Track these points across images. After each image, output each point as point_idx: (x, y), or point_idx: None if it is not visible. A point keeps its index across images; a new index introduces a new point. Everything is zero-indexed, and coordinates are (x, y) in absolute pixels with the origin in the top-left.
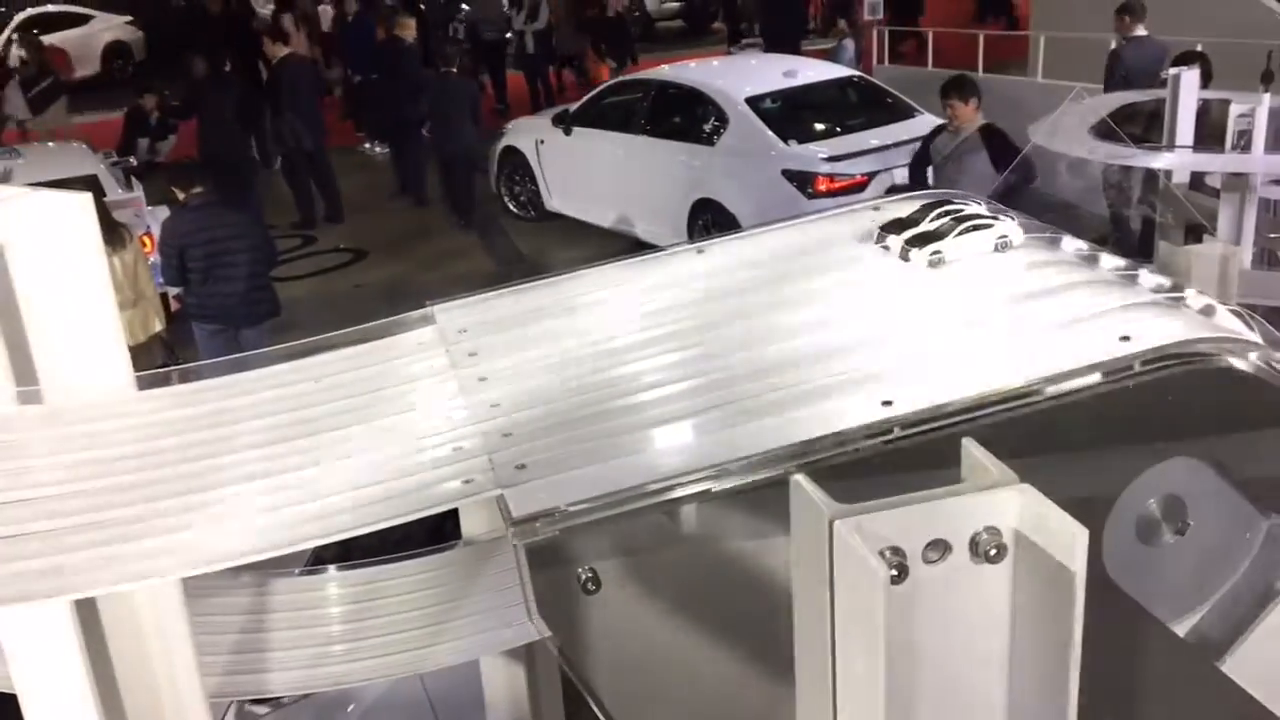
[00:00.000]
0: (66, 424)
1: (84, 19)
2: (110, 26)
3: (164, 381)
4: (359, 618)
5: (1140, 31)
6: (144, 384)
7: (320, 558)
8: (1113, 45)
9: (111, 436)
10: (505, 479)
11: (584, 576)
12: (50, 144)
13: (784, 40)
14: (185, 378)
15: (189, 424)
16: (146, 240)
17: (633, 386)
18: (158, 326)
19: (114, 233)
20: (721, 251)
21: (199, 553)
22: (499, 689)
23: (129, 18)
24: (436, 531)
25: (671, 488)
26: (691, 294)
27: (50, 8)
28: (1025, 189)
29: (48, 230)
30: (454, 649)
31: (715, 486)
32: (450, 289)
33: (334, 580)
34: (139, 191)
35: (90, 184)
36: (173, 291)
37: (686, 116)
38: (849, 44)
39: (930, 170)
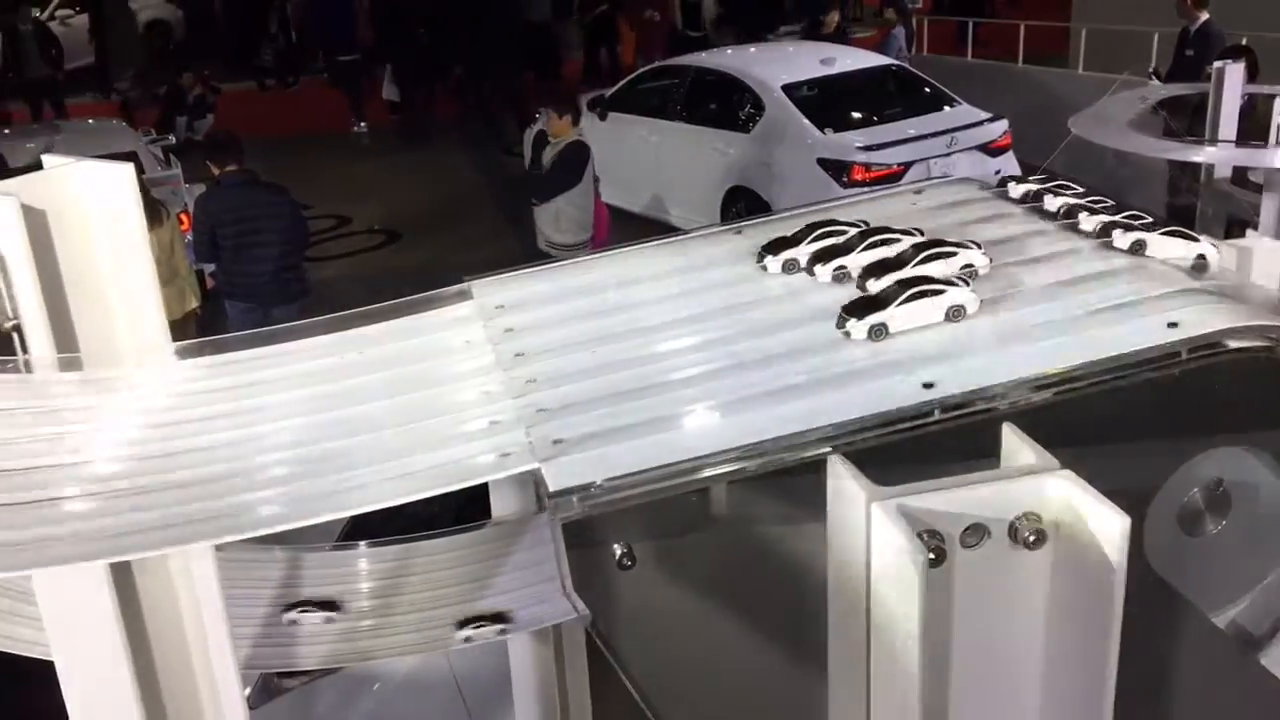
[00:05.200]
0: (105, 391)
1: None
2: (150, 5)
3: (201, 352)
4: (389, 594)
5: (1204, 17)
6: (182, 354)
7: (350, 534)
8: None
9: (149, 404)
10: (542, 453)
11: (619, 553)
12: (89, 121)
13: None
14: (221, 349)
15: (226, 394)
16: (183, 218)
17: (669, 365)
18: (193, 304)
19: (152, 210)
20: (760, 233)
21: (233, 521)
22: (526, 667)
23: None
24: (459, 515)
25: (708, 465)
26: (728, 275)
27: None
28: None
29: (92, 200)
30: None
31: (752, 466)
32: (496, 268)
33: (365, 556)
34: (177, 169)
35: (129, 161)
36: (208, 269)
37: (722, 103)
38: (899, 32)
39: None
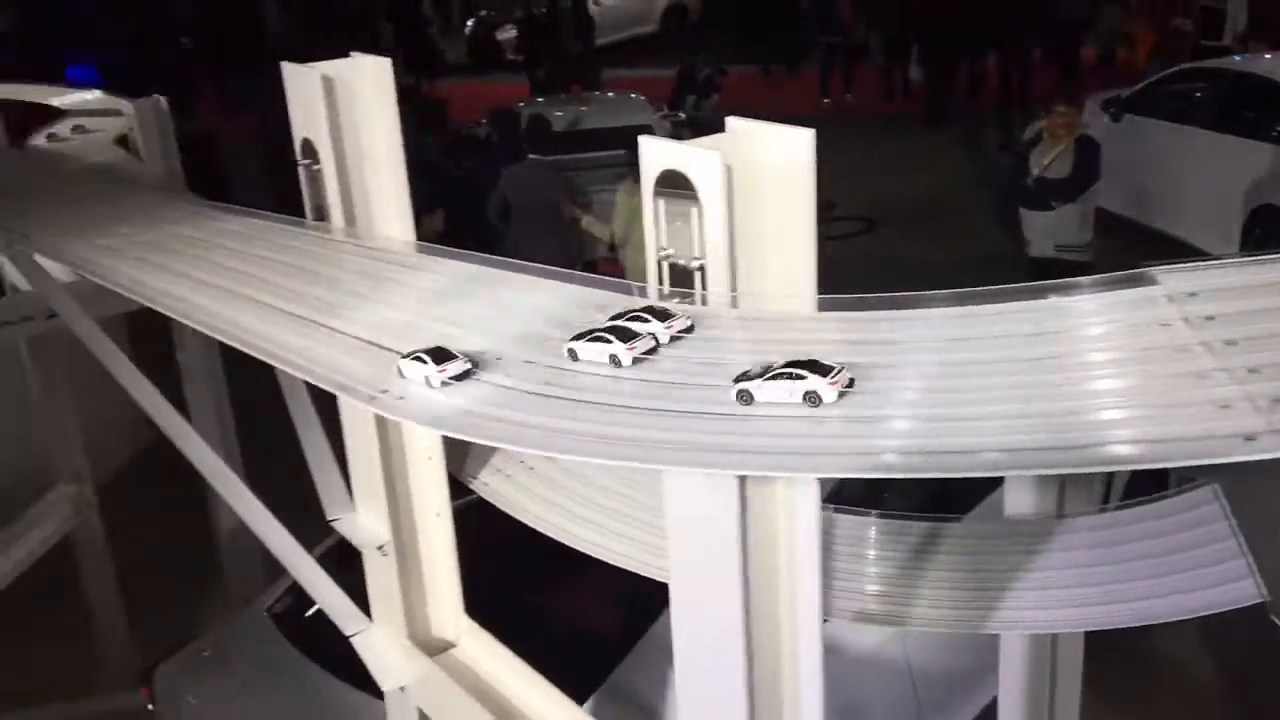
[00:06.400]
0: (758, 328)
1: None
2: None
3: (838, 306)
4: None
5: None
6: (822, 306)
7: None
8: None
9: (791, 348)
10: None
11: None
12: (610, 94)
13: None
14: (860, 305)
15: (857, 349)
16: None
17: None
18: None
19: None
20: None
21: (858, 461)
22: (1016, 673)
23: None
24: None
25: None
26: None
27: None
28: None
29: (770, 160)
30: (1173, 604)
31: None
32: (971, 268)
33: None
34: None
35: (646, 133)
36: None
37: (1260, 111)
38: None
39: None
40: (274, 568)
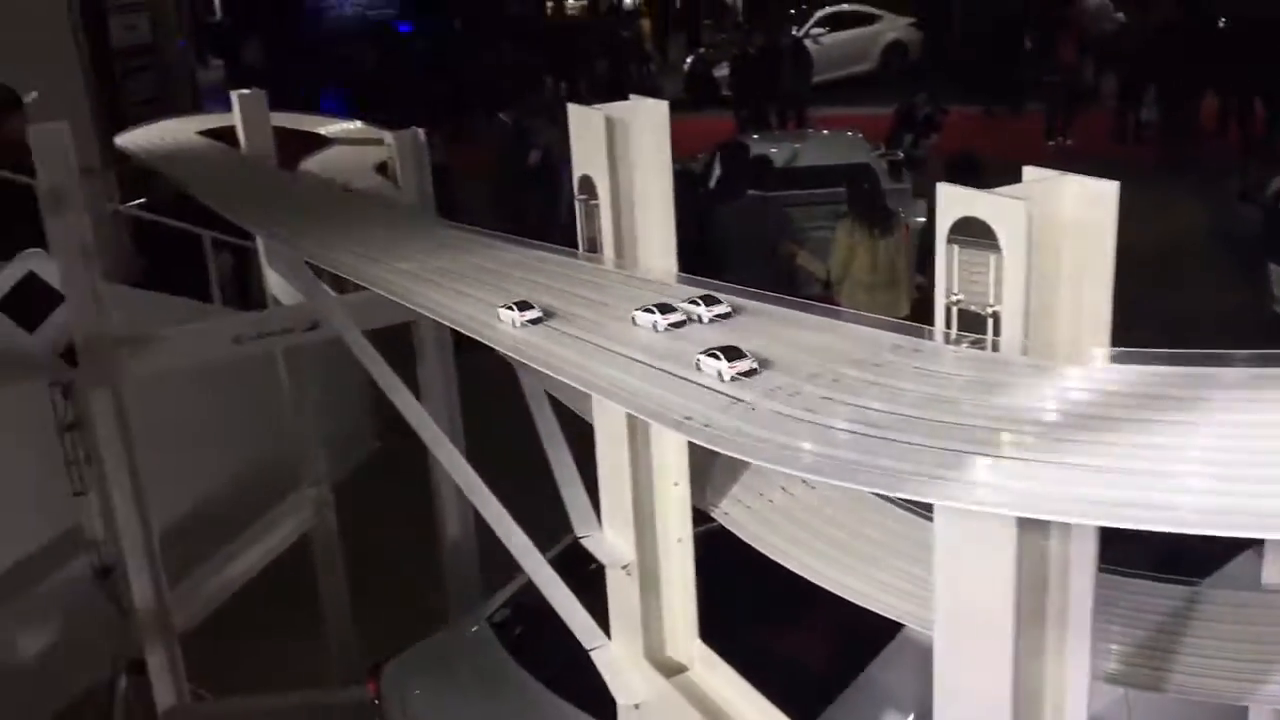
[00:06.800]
0: (1050, 376)
1: (872, 18)
2: (894, 27)
3: (1133, 359)
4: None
5: None
6: (1112, 359)
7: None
8: None
9: (1083, 397)
10: None
11: None
12: (825, 131)
13: None
14: (1153, 359)
15: (1153, 402)
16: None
17: None
18: (905, 311)
19: (889, 219)
20: None
21: (1148, 513)
22: None
23: (912, 20)
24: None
25: None
26: None
27: (845, 6)
28: None
29: (1069, 209)
30: None
31: None
32: (1212, 322)
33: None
34: (908, 183)
35: (864, 172)
36: (918, 279)
37: None
38: None
39: None
40: (493, 577)
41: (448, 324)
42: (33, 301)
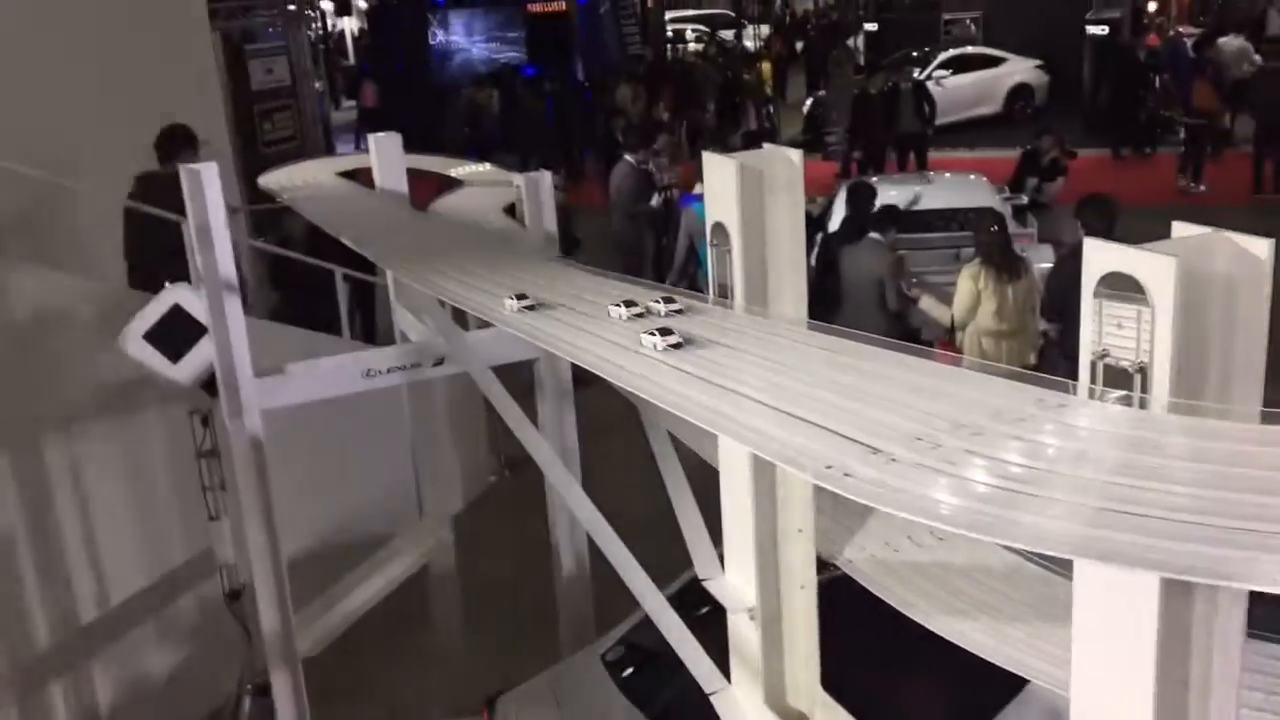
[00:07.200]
0: (1198, 434)
1: (998, 61)
2: (1020, 70)
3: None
4: None
5: None
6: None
7: None
8: None
9: (1231, 455)
10: None
11: None
12: (948, 174)
13: None
14: None
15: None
16: None
17: None
18: (1031, 360)
19: (1015, 263)
20: None
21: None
22: None
23: (1039, 62)
24: None
25: None
26: None
27: (969, 49)
28: None
29: (1221, 265)
30: None
31: None
32: None
33: None
34: (1033, 228)
35: (991, 215)
36: (1042, 326)
37: None
38: None
39: None
40: (606, 615)
41: (579, 363)
42: (177, 333)
